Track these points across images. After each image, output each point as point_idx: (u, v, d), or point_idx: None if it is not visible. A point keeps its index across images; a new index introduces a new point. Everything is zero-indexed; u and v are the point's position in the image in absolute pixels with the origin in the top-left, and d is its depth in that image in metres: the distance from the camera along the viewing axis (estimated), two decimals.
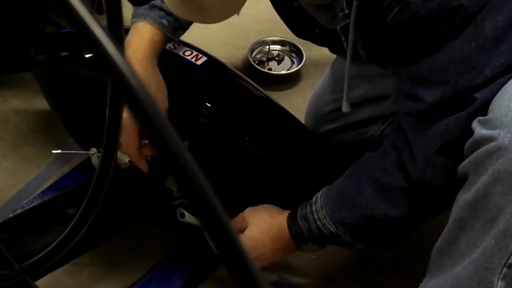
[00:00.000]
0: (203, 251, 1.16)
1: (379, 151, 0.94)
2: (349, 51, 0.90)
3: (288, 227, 0.99)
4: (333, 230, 0.95)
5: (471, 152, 0.78)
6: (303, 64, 1.65)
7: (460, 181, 0.84)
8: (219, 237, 0.31)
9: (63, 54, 1.18)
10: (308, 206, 0.98)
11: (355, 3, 0.80)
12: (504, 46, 0.77)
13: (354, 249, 0.99)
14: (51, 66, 1.20)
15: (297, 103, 1.54)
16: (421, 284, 0.93)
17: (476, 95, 0.79)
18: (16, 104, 1.55)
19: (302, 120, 1.21)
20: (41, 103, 1.39)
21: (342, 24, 0.87)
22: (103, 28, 0.30)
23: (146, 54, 0.99)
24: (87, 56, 1.10)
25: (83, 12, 0.30)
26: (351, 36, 0.86)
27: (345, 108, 1.00)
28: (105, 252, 1.21)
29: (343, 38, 0.90)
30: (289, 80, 1.66)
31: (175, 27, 1.03)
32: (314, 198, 0.98)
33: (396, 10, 0.76)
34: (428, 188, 0.87)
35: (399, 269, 1.20)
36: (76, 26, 0.30)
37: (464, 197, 0.81)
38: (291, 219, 0.99)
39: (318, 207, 0.96)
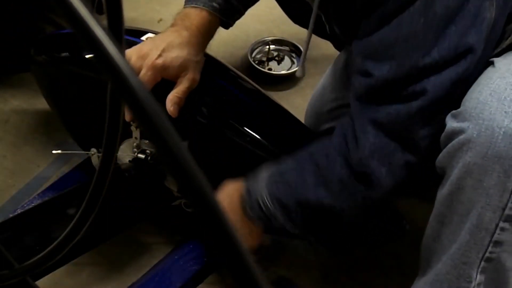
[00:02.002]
0: (203, 250, 1.16)
1: (328, 137, 0.91)
2: (312, 21, 0.91)
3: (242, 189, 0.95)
4: (270, 209, 0.90)
5: (445, 145, 0.78)
6: None
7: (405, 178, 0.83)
8: (220, 236, 0.31)
9: (63, 54, 1.18)
10: (256, 176, 0.94)
11: None
12: (453, 28, 0.74)
13: (299, 238, 0.95)
14: (51, 66, 1.20)
15: (297, 103, 1.54)
16: (413, 284, 0.93)
17: (427, 86, 0.77)
18: (16, 104, 1.55)
19: (302, 120, 1.21)
20: (41, 103, 1.39)
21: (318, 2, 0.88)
22: (103, 28, 0.30)
23: (190, 39, 0.99)
24: (87, 56, 1.10)
25: (83, 12, 0.30)
26: (315, 9, 0.87)
27: (299, 72, 1.00)
28: (105, 252, 1.21)
29: (323, 18, 0.90)
30: (289, 80, 1.66)
31: (227, 9, 1.04)
32: (264, 171, 0.94)
33: None
34: (368, 181, 0.84)
35: (399, 269, 1.20)
36: (76, 26, 0.30)
37: (441, 191, 0.81)
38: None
39: (263, 179, 0.92)
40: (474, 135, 0.73)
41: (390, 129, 0.81)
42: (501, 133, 0.72)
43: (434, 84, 0.77)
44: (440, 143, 0.80)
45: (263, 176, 0.92)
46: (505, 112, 0.72)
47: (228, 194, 0.95)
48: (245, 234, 0.94)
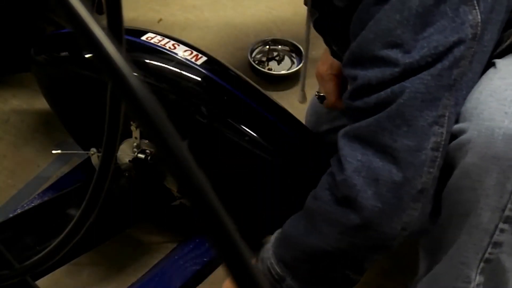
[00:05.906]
0: (203, 250, 1.16)
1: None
2: (306, 29, 0.94)
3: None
4: (278, 271, 0.88)
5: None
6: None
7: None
8: (219, 236, 0.31)
9: (63, 54, 1.18)
10: (265, 245, 0.92)
11: None
12: (431, 29, 0.72)
13: None
14: (51, 66, 1.20)
15: (297, 103, 1.54)
16: (412, 284, 0.93)
17: (406, 83, 0.74)
18: (16, 104, 1.55)
19: (302, 120, 1.21)
20: (41, 103, 1.39)
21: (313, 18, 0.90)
22: (103, 28, 0.30)
23: None
24: (87, 56, 1.10)
25: (83, 12, 0.30)
26: (308, 12, 0.91)
27: (300, 98, 0.99)
28: (105, 252, 1.21)
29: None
30: (289, 80, 1.66)
31: None
32: (272, 237, 0.93)
33: None
34: (353, 204, 0.78)
35: (399, 269, 1.20)
36: (76, 26, 0.30)
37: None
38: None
39: (270, 245, 0.91)
40: (474, 136, 0.73)
41: (372, 141, 0.77)
42: (501, 133, 0.72)
43: (413, 80, 0.73)
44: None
45: (272, 242, 0.91)
46: (505, 112, 0.72)
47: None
48: None
